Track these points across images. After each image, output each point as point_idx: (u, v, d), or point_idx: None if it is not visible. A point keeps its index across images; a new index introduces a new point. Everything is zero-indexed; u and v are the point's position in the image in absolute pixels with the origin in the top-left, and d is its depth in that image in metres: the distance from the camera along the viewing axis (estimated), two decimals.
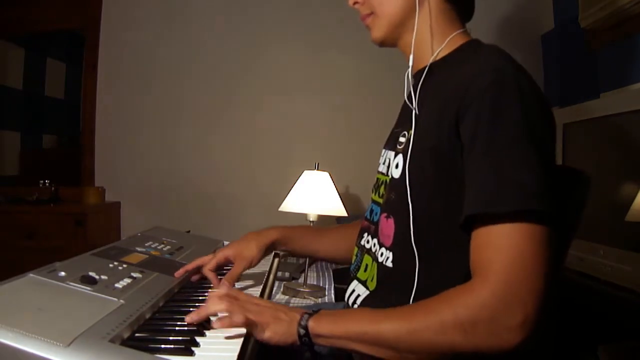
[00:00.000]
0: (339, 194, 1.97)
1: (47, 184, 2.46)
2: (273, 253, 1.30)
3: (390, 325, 0.64)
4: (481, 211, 0.62)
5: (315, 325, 0.68)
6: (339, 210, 1.93)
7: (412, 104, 0.80)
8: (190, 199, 2.54)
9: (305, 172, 1.99)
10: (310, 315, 0.70)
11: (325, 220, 2.19)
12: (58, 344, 0.52)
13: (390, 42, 0.87)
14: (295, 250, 1.06)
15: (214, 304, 0.70)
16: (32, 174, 2.71)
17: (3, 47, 2.73)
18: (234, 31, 2.53)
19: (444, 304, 0.62)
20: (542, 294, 0.59)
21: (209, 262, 0.96)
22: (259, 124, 2.55)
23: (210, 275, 0.94)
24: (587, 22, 1.89)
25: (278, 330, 0.69)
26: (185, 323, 0.69)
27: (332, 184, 1.98)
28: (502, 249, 0.61)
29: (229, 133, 2.55)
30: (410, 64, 0.83)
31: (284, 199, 1.95)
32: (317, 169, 1.97)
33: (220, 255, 0.96)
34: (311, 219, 1.89)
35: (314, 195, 1.89)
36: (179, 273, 0.91)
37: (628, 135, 1.53)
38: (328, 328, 0.68)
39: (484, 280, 0.60)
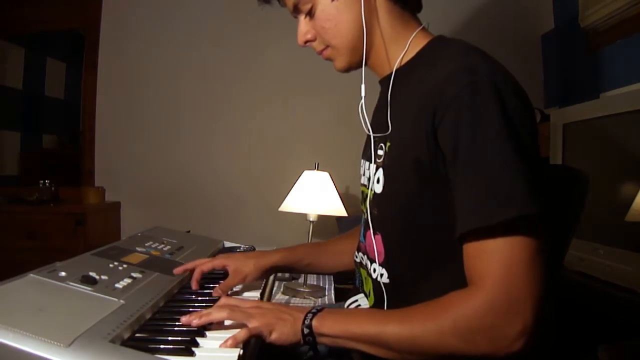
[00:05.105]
0: (339, 194, 1.97)
1: (47, 184, 2.46)
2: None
3: (392, 328, 0.65)
4: (475, 227, 0.61)
5: (319, 325, 0.69)
6: (339, 210, 1.93)
7: (368, 130, 0.81)
8: (191, 199, 2.54)
9: (305, 172, 1.99)
10: (314, 314, 0.70)
11: (325, 220, 2.19)
12: (58, 344, 0.52)
13: (357, 65, 0.84)
14: (297, 271, 1.08)
15: (216, 311, 0.70)
16: (32, 174, 2.70)
17: (3, 47, 2.73)
18: (234, 31, 2.53)
19: (443, 311, 0.62)
20: (540, 300, 0.59)
21: (204, 264, 0.94)
22: (259, 124, 2.55)
23: (197, 275, 0.91)
24: (587, 22, 1.89)
25: (284, 330, 0.70)
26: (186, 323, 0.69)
27: (332, 184, 1.98)
28: (498, 258, 0.60)
29: (229, 133, 2.55)
30: (363, 94, 0.82)
31: (284, 199, 1.95)
32: (317, 169, 1.97)
33: (219, 262, 0.96)
34: (311, 219, 1.88)
35: (314, 195, 1.89)
36: (178, 270, 0.91)
37: (628, 135, 1.53)
38: (331, 327, 0.69)
39: (481, 289, 0.60)
